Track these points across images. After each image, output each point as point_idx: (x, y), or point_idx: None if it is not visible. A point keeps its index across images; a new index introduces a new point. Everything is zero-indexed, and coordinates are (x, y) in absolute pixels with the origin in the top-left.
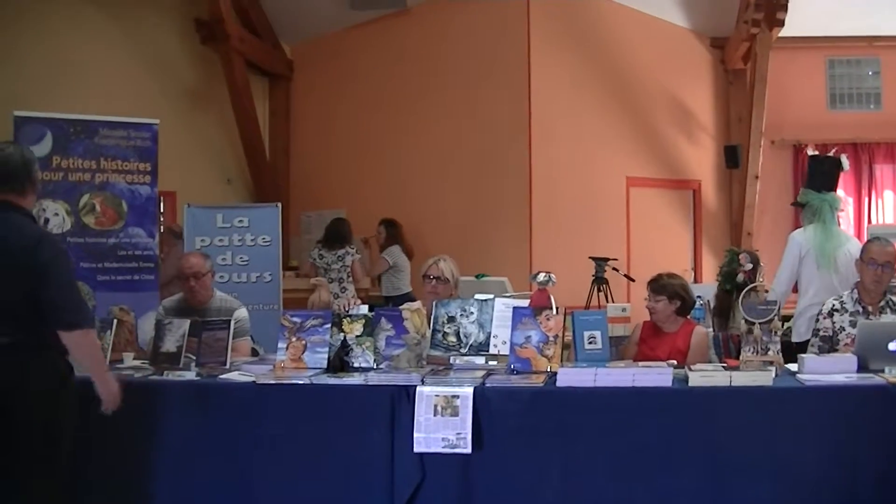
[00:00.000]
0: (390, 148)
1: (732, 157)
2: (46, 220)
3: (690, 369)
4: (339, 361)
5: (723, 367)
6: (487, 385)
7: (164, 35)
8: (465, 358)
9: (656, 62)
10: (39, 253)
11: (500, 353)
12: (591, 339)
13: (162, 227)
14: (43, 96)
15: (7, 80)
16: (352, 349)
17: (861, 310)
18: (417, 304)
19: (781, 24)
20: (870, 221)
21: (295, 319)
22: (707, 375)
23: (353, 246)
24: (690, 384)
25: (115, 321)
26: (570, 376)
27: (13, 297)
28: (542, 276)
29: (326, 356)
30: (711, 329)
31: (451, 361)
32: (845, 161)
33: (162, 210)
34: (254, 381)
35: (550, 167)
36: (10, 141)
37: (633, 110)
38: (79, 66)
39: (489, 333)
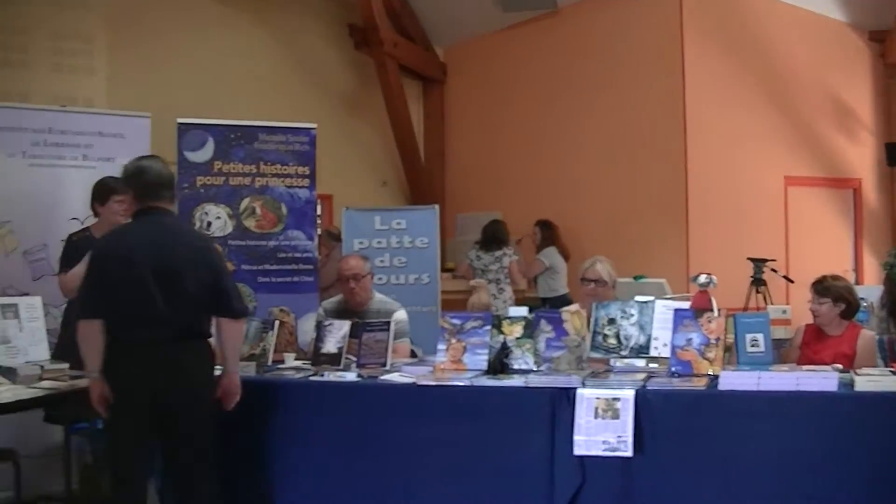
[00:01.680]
0: (544, 148)
1: (894, 155)
2: (209, 224)
3: (857, 373)
4: (499, 363)
5: (890, 371)
6: (648, 388)
7: (320, 42)
8: (626, 360)
9: (812, 57)
10: (211, 250)
11: (661, 355)
12: (754, 342)
13: (320, 229)
14: (204, 103)
15: (170, 88)
16: (512, 351)
17: None
18: (576, 307)
19: None
20: None
21: (455, 321)
22: (874, 380)
23: (510, 247)
24: (857, 389)
25: (277, 322)
26: (733, 380)
27: (203, 292)
28: (703, 278)
29: (486, 358)
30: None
31: (612, 364)
32: None
33: (320, 213)
34: (414, 383)
35: (706, 167)
36: (150, 155)
37: (789, 107)
38: (238, 74)
39: (649, 336)
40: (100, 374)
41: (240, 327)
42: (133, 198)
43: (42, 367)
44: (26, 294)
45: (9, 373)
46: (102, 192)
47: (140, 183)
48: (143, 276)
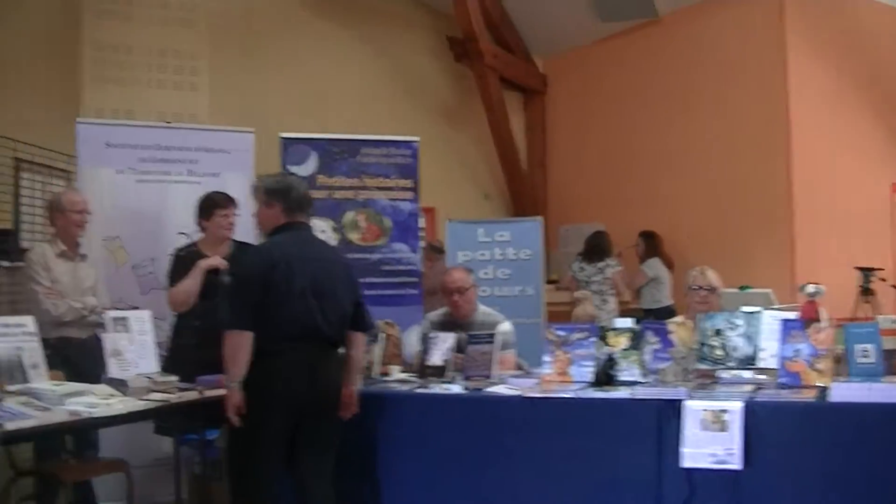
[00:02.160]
0: (646, 158)
1: None
2: None
3: None
4: (605, 375)
5: None
6: (756, 400)
7: (420, 55)
8: (733, 372)
9: None
10: (351, 266)
11: (769, 366)
12: (864, 353)
13: (423, 242)
14: (306, 118)
15: (272, 104)
16: (618, 363)
17: None
18: (681, 318)
19: None
20: None
21: (560, 333)
22: None
23: (613, 258)
24: None
25: (382, 335)
26: (844, 391)
27: (348, 306)
28: (811, 288)
29: (592, 370)
30: None
31: (718, 375)
32: None
33: (422, 226)
34: (520, 395)
35: (812, 174)
36: (285, 172)
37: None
38: (340, 88)
39: (756, 347)
40: (239, 385)
41: (365, 342)
42: (281, 211)
43: (152, 379)
44: (136, 307)
45: (120, 385)
46: (207, 206)
47: (290, 198)
48: (304, 290)
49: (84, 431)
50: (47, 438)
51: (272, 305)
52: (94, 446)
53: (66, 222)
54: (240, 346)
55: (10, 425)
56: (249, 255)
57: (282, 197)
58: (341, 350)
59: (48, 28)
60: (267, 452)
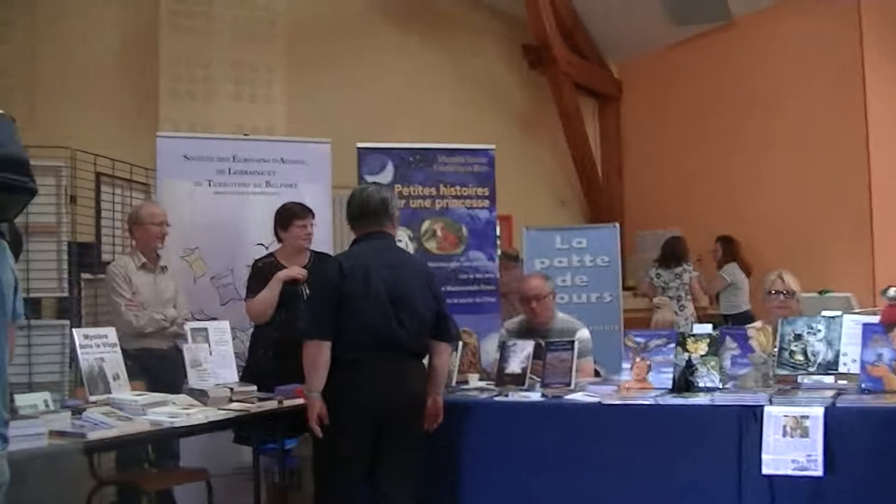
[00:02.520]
0: (723, 163)
1: None
2: None
3: None
4: (685, 381)
5: None
6: (838, 405)
7: (494, 63)
8: (814, 377)
9: None
10: (434, 276)
11: (850, 371)
12: None
13: (499, 250)
14: (382, 127)
15: (348, 114)
16: (697, 369)
17: None
18: (760, 323)
19: None
20: None
21: (639, 339)
22: None
23: (690, 264)
24: None
25: (460, 343)
26: None
27: (428, 315)
28: (892, 292)
29: (671, 376)
30: None
31: (799, 381)
32: None
33: (498, 233)
34: (599, 402)
35: (891, 176)
36: (374, 183)
37: None
38: (415, 97)
39: (837, 351)
40: (319, 394)
41: (450, 352)
42: (354, 223)
43: (231, 389)
44: (215, 318)
45: (200, 395)
46: (285, 217)
47: (350, 209)
48: (380, 298)
49: (165, 441)
50: (129, 448)
51: (348, 314)
52: (175, 456)
53: (145, 235)
54: (318, 356)
55: (93, 435)
56: (326, 265)
57: (352, 208)
58: (425, 360)
59: (126, 44)
60: (347, 461)
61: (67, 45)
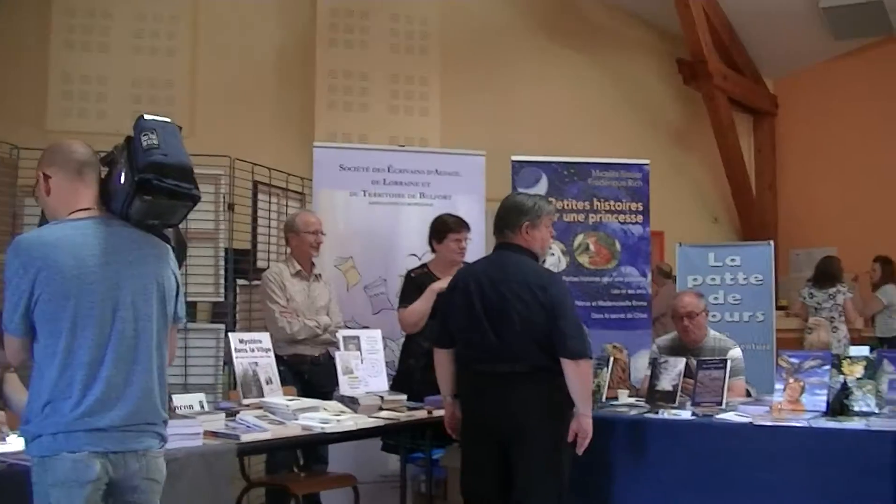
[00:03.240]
0: (882, 180)
1: None
2: (543, 261)
3: None
4: (839, 404)
5: None
6: None
7: (649, 77)
8: None
9: None
10: (549, 289)
11: None
12: None
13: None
14: (536, 140)
15: (502, 127)
16: (852, 392)
17: None
18: None
19: None
20: None
21: (793, 360)
22: None
23: (845, 284)
24: None
25: (611, 359)
26: None
27: (534, 329)
28: None
29: (825, 399)
30: None
31: None
32: None
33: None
34: (750, 422)
35: None
36: (525, 193)
37: None
38: (569, 111)
39: None
40: (452, 399)
41: (581, 368)
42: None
43: (381, 397)
44: (367, 327)
45: (351, 402)
46: (441, 229)
47: (495, 219)
48: (476, 310)
49: (315, 446)
50: (280, 451)
51: (453, 327)
52: (324, 460)
53: (301, 243)
54: (439, 363)
55: (246, 437)
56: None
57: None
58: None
59: (284, 57)
60: (472, 472)
61: (228, 59)
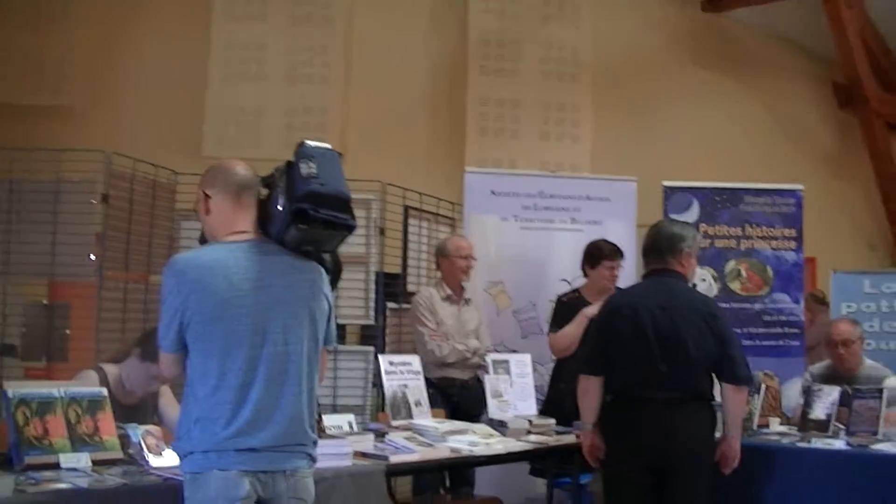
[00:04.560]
0: None
1: None
2: (694, 286)
3: None
4: None
5: None
6: None
7: (802, 102)
8: None
9: None
10: (717, 317)
11: None
12: None
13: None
14: (687, 166)
15: (653, 152)
16: None
17: None
18: None
19: None
20: None
21: None
22: None
23: None
24: None
25: (763, 386)
26: None
27: (706, 357)
28: None
29: None
30: None
31: None
32: None
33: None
34: None
35: None
36: (674, 220)
37: None
38: (721, 136)
39: None
40: (593, 427)
41: (742, 394)
42: (644, 258)
43: (530, 421)
44: (516, 351)
45: (499, 425)
46: (595, 255)
47: (646, 245)
48: (647, 337)
49: (462, 468)
50: (427, 473)
51: (616, 353)
52: (470, 483)
53: (451, 267)
54: (587, 391)
55: (395, 458)
56: (603, 302)
57: (644, 244)
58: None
59: (435, 84)
60: (621, 499)
61: (379, 85)
